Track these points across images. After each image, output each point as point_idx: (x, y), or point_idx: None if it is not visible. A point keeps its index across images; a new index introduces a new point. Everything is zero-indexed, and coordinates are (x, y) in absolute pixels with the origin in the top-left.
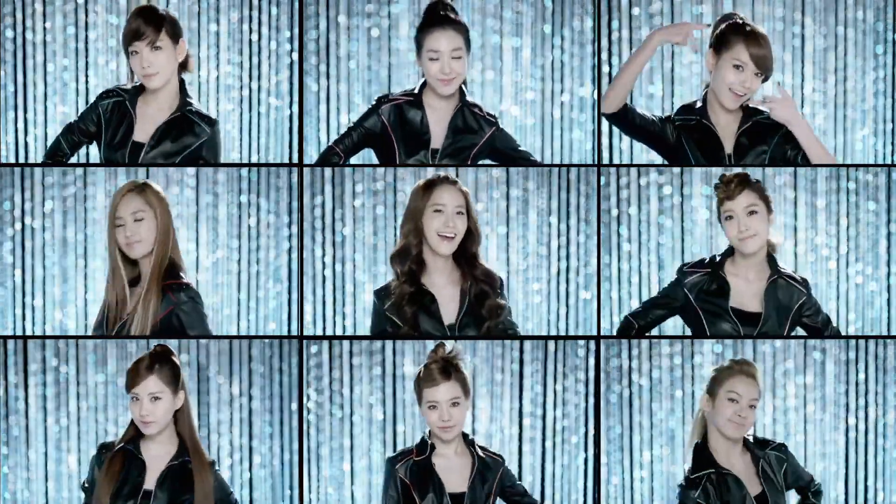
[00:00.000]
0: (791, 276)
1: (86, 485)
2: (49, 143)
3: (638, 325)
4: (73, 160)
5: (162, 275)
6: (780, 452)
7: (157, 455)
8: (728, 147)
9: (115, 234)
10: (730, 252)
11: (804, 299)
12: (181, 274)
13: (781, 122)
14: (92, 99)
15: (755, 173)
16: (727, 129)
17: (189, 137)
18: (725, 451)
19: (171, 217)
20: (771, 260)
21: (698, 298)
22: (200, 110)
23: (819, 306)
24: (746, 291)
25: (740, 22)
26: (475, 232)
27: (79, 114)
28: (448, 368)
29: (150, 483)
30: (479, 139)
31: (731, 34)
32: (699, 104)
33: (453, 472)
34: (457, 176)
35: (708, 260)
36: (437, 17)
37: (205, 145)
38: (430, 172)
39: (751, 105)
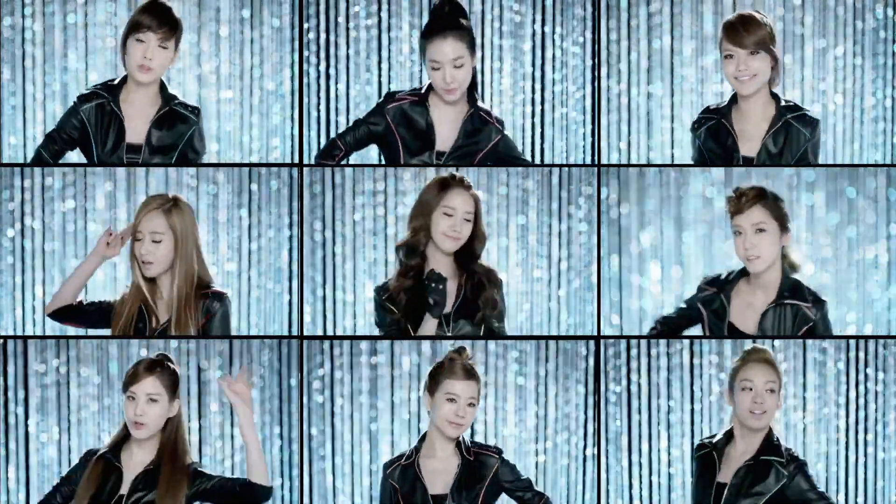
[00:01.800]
0: (800, 301)
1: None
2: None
3: (660, 331)
4: (75, 160)
5: (193, 292)
6: (786, 470)
7: (136, 462)
8: (752, 149)
9: (133, 246)
10: (745, 270)
11: (810, 325)
12: (212, 284)
13: None
14: None
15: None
16: (755, 128)
17: (181, 126)
18: (738, 438)
19: (197, 231)
20: (784, 282)
21: (707, 312)
22: (185, 102)
23: (829, 331)
24: (747, 312)
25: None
26: (480, 236)
27: (57, 122)
28: (471, 371)
29: (125, 489)
30: (486, 144)
31: (720, 36)
32: (724, 104)
33: (440, 474)
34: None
35: (724, 275)
36: (438, 23)
37: (195, 133)
38: (431, 173)
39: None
